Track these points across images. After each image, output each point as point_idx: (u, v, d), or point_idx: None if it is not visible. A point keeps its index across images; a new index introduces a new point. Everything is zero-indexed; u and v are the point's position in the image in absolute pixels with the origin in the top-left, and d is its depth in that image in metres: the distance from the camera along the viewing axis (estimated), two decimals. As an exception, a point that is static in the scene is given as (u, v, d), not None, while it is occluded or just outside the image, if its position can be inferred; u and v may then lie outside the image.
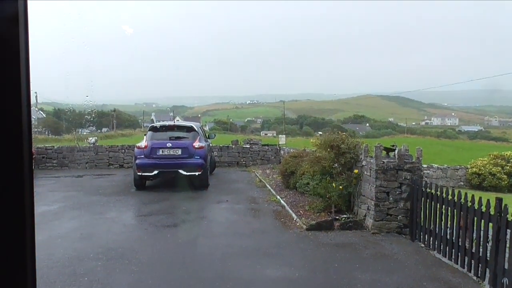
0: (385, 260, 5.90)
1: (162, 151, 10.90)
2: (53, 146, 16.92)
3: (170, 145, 10.94)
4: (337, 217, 7.79)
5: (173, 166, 10.84)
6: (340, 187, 8.10)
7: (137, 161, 10.86)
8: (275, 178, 13.13)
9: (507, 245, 4.66)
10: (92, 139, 18.03)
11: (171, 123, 12.87)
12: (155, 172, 10.79)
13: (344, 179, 8.21)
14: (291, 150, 15.80)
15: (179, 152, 10.92)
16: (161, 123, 13.36)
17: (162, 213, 8.53)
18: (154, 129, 11.70)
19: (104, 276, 5.14)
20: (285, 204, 9.25)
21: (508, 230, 4.67)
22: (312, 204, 8.73)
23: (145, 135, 11.70)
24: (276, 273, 5.36)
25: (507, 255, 4.63)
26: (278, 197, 10.12)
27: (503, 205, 4.82)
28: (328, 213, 8.12)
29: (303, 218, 7.92)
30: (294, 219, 8.04)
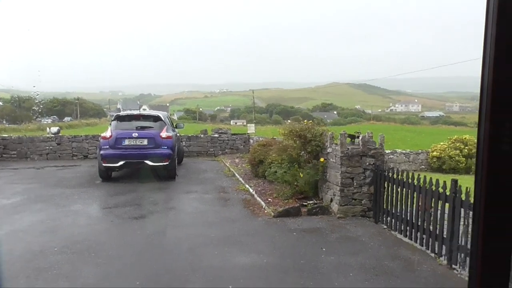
0: (350, 242, 6.11)
1: (128, 141, 10.71)
2: (11, 136, 16.26)
3: (136, 135, 10.76)
4: (304, 204, 7.96)
5: (139, 156, 10.68)
6: (307, 174, 8.26)
7: (102, 152, 10.63)
8: (244, 167, 13.20)
9: (461, 223, 4.94)
10: (54, 129, 17.39)
11: (137, 112, 12.65)
12: (121, 163, 10.60)
13: (311, 166, 8.38)
14: (260, 138, 15.90)
15: (145, 142, 10.77)
16: (127, 112, 13.11)
17: (129, 205, 8.42)
18: (119, 118, 11.46)
19: (70, 270, 5.05)
20: (253, 193, 9.33)
21: (462, 209, 4.94)
22: (280, 191, 8.85)
23: (110, 124, 11.45)
24: (246, 260, 5.44)
25: (461, 232, 4.90)
26: (247, 185, 10.20)
27: (458, 186, 5.09)
28: (296, 200, 8.27)
29: (271, 206, 8.03)
30: (263, 206, 8.14)
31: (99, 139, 11.24)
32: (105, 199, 9.12)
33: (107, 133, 10.88)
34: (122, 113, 12.52)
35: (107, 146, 10.65)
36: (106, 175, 11.04)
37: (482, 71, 0.94)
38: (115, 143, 10.64)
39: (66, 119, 69.18)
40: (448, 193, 5.25)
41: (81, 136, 16.56)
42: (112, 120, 11.54)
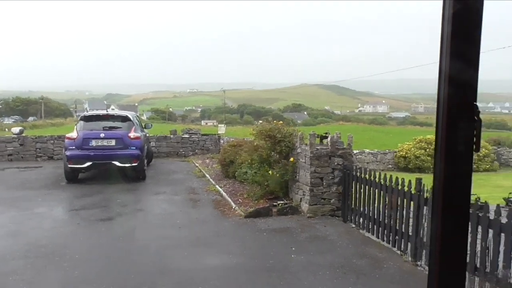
0: (319, 241, 6.19)
1: (95, 142, 10.46)
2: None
3: (104, 135, 10.53)
4: (275, 204, 8.01)
5: (107, 157, 10.45)
6: (277, 174, 8.31)
7: (68, 153, 10.34)
8: (214, 167, 13.13)
9: (425, 221, 5.10)
10: (16, 129, 16.70)
11: (104, 112, 12.37)
12: (88, 164, 10.33)
13: (281, 167, 8.43)
14: (231, 139, 15.86)
15: (113, 142, 10.55)
16: (94, 112, 12.80)
17: (96, 207, 8.21)
18: (86, 118, 11.20)
19: (33, 275, 4.88)
20: (224, 193, 9.30)
21: (426, 207, 5.11)
22: (250, 192, 8.87)
23: (76, 125, 11.16)
24: (215, 261, 5.42)
25: (425, 229, 5.07)
26: (217, 186, 10.15)
27: (422, 184, 5.26)
28: (266, 200, 8.31)
29: (242, 206, 8.03)
30: (233, 207, 8.12)
31: (65, 139, 10.92)
32: (71, 201, 8.86)
33: (73, 134, 10.61)
34: (89, 113, 12.23)
35: (73, 147, 10.37)
36: (73, 177, 10.74)
37: (439, 74, 0.98)
38: (81, 144, 10.38)
39: (30, 119, 66.70)
40: (413, 192, 5.42)
41: (46, 137, 16.02)
42: (79, 120, 11.26)
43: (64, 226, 7.09)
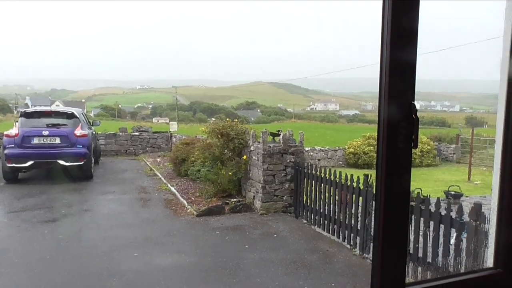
0: (272, 238, 6.26)
1: (37, 140, 9.92)
2: None
3: (47, 133, 10.01)
4: (228, 202, 7.99)
5: (50, 156, 9.93)
6: (230, 172, 8.30)
7: (6, 151, 9.73)
8: (166, 166, 12.90)
9: (373, 215, 5.31)
10: None
11: (48, 108, 11.74)
12: (29, 163, 9.77)
13: (234, 164, 8.43)
14: (183, 137, 15.64)
15: (58, 140, 10.05)
16: (36, 108, 12.11)
17: (38, 208, 7.78)
18: (27, 115, 10.57)
19: (-34, 284, 4.52)
20: (176, 192, 9.16)
21: (373, 202, 5.31)
22: (203, 190, 8.79)
23: (16, 121, 10.51)
24: (166, 261, 5.31)
25: (372, 223, 5.27)
26: (169, 185, 9.98)
27: (370, 180, 5.46)
28: (219, 198, 8.27)
29: (194, 205, 7.94)
30: (185, 206, 8.01)
31: (3, 137, 10.27)
32: (10, 202, 8.33)
33: (13, 131, 10.02)
34: (30, 109, 11.57)
35: (13, 145, 9.78)
36: (12, 177, 10.12)
37: (380, 74, 1.01)
38: (22, 142, 9.81)
39: (-37, 115, 61.77)
40: (361, 187, 5.61)
41: (-19, 134, 14.94)
42: (19, 117, 10.61)
43: (2, 229, 6.65)
